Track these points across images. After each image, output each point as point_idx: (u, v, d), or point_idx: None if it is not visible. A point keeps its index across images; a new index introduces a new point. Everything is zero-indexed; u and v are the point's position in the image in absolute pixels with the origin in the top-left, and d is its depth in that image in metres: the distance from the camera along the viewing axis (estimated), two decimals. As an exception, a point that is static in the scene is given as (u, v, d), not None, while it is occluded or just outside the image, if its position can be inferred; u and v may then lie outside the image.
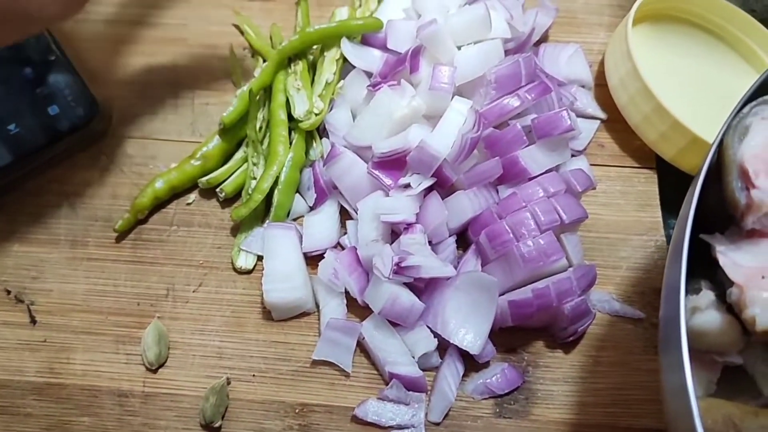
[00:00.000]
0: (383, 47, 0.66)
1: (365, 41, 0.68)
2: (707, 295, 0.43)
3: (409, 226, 0.56)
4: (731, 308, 0.42)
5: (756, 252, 0.41)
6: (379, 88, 0.60)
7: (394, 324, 0.55)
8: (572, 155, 0.64)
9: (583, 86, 0.69)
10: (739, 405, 0.41)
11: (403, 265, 0.54)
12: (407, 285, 0.55)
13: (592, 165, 0.65)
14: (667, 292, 0.42)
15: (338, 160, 0.60)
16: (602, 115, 0.68)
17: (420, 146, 0.56)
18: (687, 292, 0.44)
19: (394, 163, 0.58)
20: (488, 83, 0.60)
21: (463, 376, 0.56)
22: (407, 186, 0.57)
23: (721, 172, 0.43)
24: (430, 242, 0.58)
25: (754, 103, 0.44)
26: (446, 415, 0.55)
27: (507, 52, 0.65)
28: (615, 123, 0.67)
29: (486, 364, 0.56)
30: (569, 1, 0.75)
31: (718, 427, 0.40)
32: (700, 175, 0.41)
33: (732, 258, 0.41)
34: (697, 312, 0.43)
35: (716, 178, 0.44)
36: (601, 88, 0.69)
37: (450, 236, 0.59)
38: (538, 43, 0.71)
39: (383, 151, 0.57)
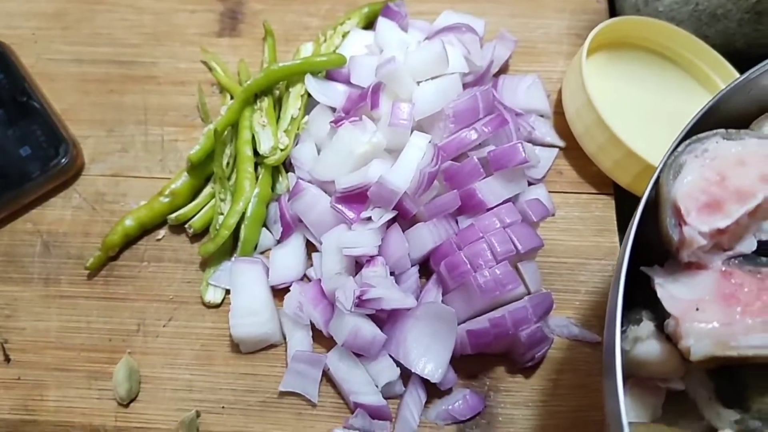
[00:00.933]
0: (347, 82, 0.68)
1: (330, 76, 0.70)
2: (647, 326, 0.45)
3: (371, 258, 0.58)
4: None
5: (691, 284, 0.43)
6: (342, 125, 0.62)
7: (358, 354, 0.57)
8: (531, 183, 0.66)
9: (542, 115, 0.71)
10: (678, 431, 0.43)
11: (364, 298, 0.55)
12: (370, 316, 0.57)
13: (551, 192, 0.67)
14: (608, 321, 0.44)
15: (302, 195, 0.61)
16: (560, 143, 0.70)
17: (379, 182, 0.58)
18: (629, 322, 0.46)
19: (357, 197, 0.60)
20: (446, 117, 0.62)
21: (426, 402, 0.58)
22: (369, 219, 0.59)
23: (657, 208, 0.45)
24: (393, 273, 0.60)
25: (688, 141, 0.46)
26: (410, 441, 0.56)
27: (466, 85, 0.67)
28: (573, 150, 0.69)
29: (448, 391, 0.58)
30: (528, 30, 0.77)
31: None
32: (637, 212, 0.44)
33: (669, 290, 0.43)
34: (638, 342, 0.45)
35: (656, 212, 0.46)
36: (560, 116, 0.71)
37: (413, 266, 0.61)
38: (498, 74, 0.73)
39: (345, 187, 0.59)
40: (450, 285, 0.58)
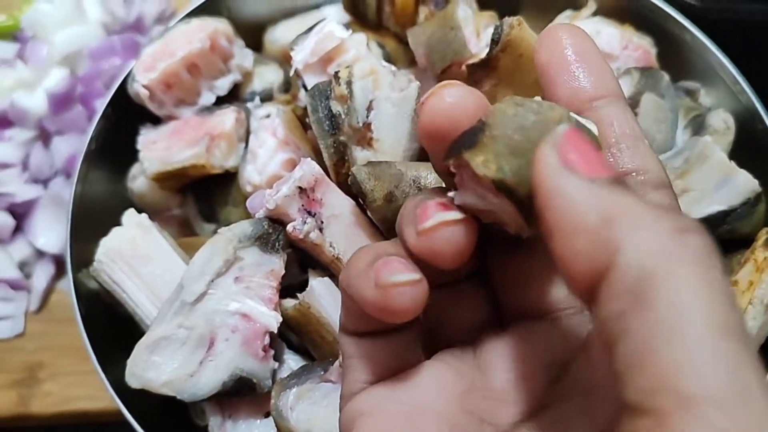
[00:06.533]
0: None
1: None
2: (138, 166, 0.59)
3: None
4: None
5: (161, 130, 0.58)
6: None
7: (-1, 240, 0.72)
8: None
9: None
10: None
11: (-4, 192, 0.70)
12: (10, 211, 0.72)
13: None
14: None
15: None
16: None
17: (12, 104, 0.73)
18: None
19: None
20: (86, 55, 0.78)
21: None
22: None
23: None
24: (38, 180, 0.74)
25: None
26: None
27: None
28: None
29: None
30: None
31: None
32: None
33: (148, 137, 0.58)
34: (135, 179, 0.60)
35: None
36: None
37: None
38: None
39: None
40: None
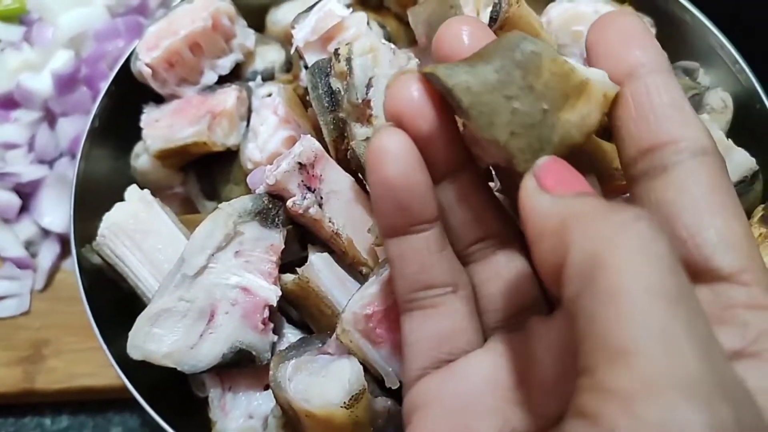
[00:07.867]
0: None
1: None
2: (140, 145, 0.60)
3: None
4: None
5: (164, 108, 0.59)
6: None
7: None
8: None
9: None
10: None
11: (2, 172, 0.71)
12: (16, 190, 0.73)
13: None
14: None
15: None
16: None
17: (19, 86, 0.74)
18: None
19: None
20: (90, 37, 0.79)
21: (65, 253, 0.73)
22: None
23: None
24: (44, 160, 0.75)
25: (169, 9, 0.62)
26: (49, 282, 0.72)
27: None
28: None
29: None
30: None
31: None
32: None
33: (151, 116, 0.59)
34: (138, 158, 0.60)
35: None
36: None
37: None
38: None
39: (-2, 94, 0.75)
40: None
